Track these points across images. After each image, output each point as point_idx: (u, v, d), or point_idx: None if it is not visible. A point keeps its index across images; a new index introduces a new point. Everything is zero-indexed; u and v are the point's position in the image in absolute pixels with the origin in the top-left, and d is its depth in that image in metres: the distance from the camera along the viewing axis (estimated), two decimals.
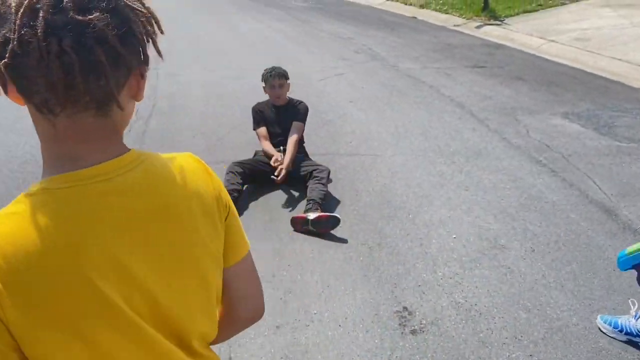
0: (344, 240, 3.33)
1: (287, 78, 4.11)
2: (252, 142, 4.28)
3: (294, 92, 6.01)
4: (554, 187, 3.98)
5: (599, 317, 2.62)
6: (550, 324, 2.62)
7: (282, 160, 3.82)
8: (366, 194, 3.88)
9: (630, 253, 2.13)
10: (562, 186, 4.00)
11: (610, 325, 2.54)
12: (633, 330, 2.47)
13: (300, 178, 3.87)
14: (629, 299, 2.72)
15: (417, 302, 2.78)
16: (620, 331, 2.50)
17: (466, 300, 2.80)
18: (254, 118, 4.16)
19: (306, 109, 4.20)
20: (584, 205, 3.74)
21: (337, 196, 3.88)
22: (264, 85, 4.15)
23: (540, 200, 3.80)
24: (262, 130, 4.07)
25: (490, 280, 2.95)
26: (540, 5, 10.80)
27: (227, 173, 3.80)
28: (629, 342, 2.50)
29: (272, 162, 3.83)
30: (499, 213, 3.63)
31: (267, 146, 4.00)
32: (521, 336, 2.56)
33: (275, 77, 4.04)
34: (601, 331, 2.58)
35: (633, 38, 8.04)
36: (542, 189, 3.96)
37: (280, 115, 4.11)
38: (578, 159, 4.45)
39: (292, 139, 3.96)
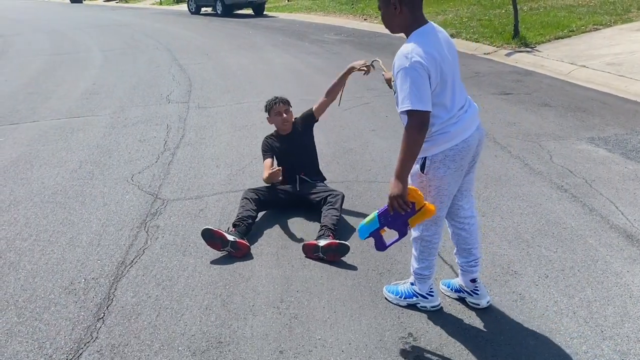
0: (354, 267, 3.34)
1: (290, 105, 4.15)
2: None
3: (319, 121, 6.12)
4: (574, 213, 3.90)
5: (384, 288, 3.05)
6: (559, 351, 2.55)
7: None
8: None
9: (367, 223, 2.61)
10: (582, 212, 3.92)
11: (392, 294, 2.98)
12: (409, 293, 2.91)
13: (314, 204, 3.91)
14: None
15: (423, 327, 2.76)
16: (400, 297, 2.94)
17: (473, 326, 2.76)
18: (262, 151, 4.18)
19: (303, 113, 4.24)
20: (604, 230, 3.65)
21: (352, 223, 3.90)
22: (268, 116, 4.16)
23: (559, 226, 3.73)
24: (267, 161, 4.07)
25: (500, 307, 2.90)
26: (572, 31, 10.69)
27: (242, 199, 3.87)
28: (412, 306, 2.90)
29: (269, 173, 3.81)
30: (514, 239, 3.58)
31: (265, 172, 3.95)
32: None
33: (280, 103, 4.07)
34: (387, 300, 2.98)
35: None
36: (561, 214, 3.89)
37: (289, 144, 4.12)
38: (601, 184, 4.35)
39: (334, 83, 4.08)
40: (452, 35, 12.38)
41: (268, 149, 4.13)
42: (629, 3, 12.79)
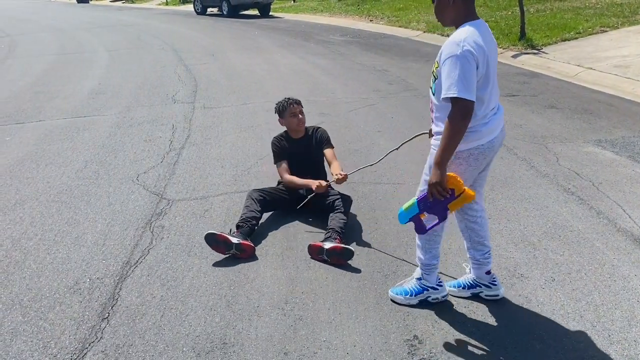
0: (359, 269, 3.32)
1: (302, 106, 4.07)
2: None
3: (324, 122, 6.11)
4: (581, 216, 3.88)
5: (390, 291, 3.02)
6: (565, 355, 2.53)
7: (324, 183, 3.80)
8: (386, 222, 3.88)
9: (406, 209, 2.64)
10: (589, 214, 3.89)
11: (401, 295, 2.95)
12: (418, 289, 2.91)
13: (321, 207, 3.88)
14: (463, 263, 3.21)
15: (428, 330, 2.74)
16: (410, 295, 2.93)
17: (479, 330, 2.74)
18: (274, 153, 4.11)
19: (326, 132, 4.15)
20: (611, 233, 3.62)
21: (357, 224, 3.89)
22: (280, 118, 4.07)
23: (565, 228, 3.71)
24: (284, 164, 4.04)
25: (506, 310, 2.88)
26: (579, 33, 10.64)
27: (247, 199, 3.85)
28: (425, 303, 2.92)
29: (315, 188, 3.77)
30: (521, 242, 3.56)
31: (293, 179, 3.96)
32: None
33: (294, 104, 3.98)
34: (396, 303, 2.95)
35: None
36: (568, 217, 3.86)
37: (301, 149, 4.05)
38: (609, 186, 4.32)
39: (335, 166, 3.88)
40: None
41: (280, 151, 4.06)
42: (637, 5, 12.73)
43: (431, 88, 2.55)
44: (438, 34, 13.04)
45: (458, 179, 2.48)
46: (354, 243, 3.60)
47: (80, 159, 5.34)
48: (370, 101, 7.33)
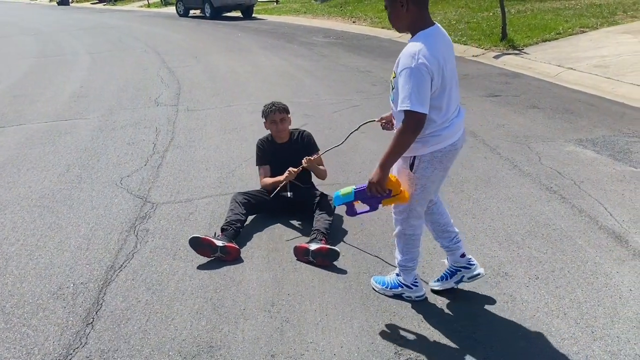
0: (346, 270, 3.33)
1: (288, 112, 4.03)
2: None
3: (308, 124, 6.12)
4: (563, 214, 3.92)
5: (372, 278, 3.17)
6: (550, 353, 2.56)
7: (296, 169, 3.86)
8: (371, 222, 3.89)
9: (343, 195, 2.81)
10: (571, 213, 3.94)
11: (379, 284, 3.09)
12: (394, 283, 3.02)
13: (307, 208, 3.88)
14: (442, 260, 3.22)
15: (414, 330, 2.76)
16: (387, 287, 3.05)
17: (465, 329, 2.76)
18: (257, 155, 4.12)
19: (311, 136, 4.16)
20: (592, 231, 3.67)
21: (342, 226, 3.90)
22: (264, 121, 4.06)
23: (548, 227, 3.75)
24: (266, 168, 4.07)
25: (491, 309, 2.91)
26: (559, 33, 10.77)
27: (231, 202, 3.84)
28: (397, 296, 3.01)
29: (286, 175, 3.84)
30: (505, 240, 3.59)
31: (269, 180, 3.99)
32: None
33: (276, 112, 3.95)
34: (375, 290, 3.09)
35: None
36: (550, 215, 3.90)
37: (285, 153, 4.05)
38: (590, 185, 4.38)
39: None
40: None
41: (263, 154, 4.07)
42: (615, 6, 12.93)
43: (390, 96, 2.59)
44: None
45: (397, 181, 2.58)
46: (340, 244, 3.61)
47: (62, 163, 5.28)
48: (354, 102, 7.35)
